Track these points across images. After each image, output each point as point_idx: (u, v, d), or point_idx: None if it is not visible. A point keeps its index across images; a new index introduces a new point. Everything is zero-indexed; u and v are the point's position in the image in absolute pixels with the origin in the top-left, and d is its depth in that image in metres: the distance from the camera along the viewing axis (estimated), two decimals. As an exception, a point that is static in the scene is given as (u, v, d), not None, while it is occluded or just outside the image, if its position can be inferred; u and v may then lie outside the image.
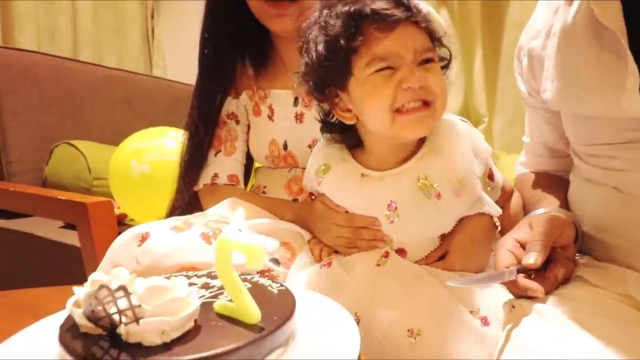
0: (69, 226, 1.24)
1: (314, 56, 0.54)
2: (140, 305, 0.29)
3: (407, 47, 0.52)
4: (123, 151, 1.22)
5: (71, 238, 1.13)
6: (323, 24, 0.54)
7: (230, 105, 0.81)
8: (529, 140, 0.74)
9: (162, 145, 1.17)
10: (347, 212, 0.60)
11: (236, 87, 0.81)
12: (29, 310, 0.50)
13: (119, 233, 0.65)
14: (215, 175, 0.79)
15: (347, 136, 0.60)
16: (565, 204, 0.62)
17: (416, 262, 0.58)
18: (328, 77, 0.55)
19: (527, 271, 0.50)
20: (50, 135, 1.48)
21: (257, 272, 0.57)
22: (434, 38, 0.56)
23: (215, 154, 0.80)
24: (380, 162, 0.58)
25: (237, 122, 0.81)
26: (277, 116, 0.78)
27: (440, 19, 0.58)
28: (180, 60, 2.13)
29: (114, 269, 0.33)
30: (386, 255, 0.58)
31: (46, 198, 1.05)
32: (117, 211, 1.15)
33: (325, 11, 0.55)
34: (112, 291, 0.29)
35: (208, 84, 0.79)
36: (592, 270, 0.53)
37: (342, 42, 0.52)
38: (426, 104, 0.53)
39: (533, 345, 0.43)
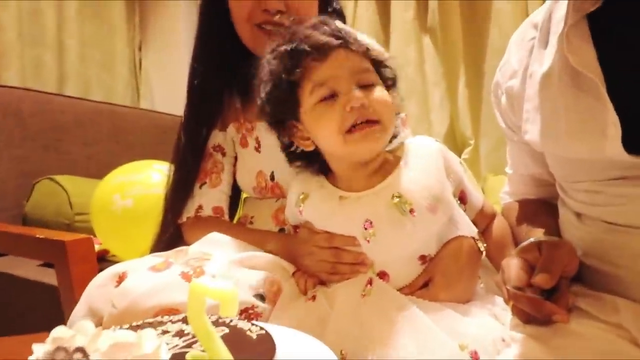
0: (48, 264, 1.20)
1: (265, 94, 0.58)
2: (100, 367, 0.26)
3: (343, 68, 0.55)
4: (106, 186, 1.20)
5: (50, 277, 1.09)
6: (267, 65, 0.58)
7: (217, 137, 0.80)
8: (513, 172, 0.73)
9: (147, 179, 1.16)
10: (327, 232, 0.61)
11: (223, 119, 0.81)
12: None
13: (99, 270, 0.63)
14: (200, 207, 0.78)
15: (312, 164, 0.63)
16: (557, 231, 0.61)
17: (400, 289, 0.58)
18: (281, 111, 0.59)
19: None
20: (33, 171, 1.46)
21: (242, 309, 0.56)
22: (376, 62, 0.59)
23: (200, 186, 0.78)
24: (355, 184, 0.60)
25: (224, 154, 0.81)
26: (264, 148, 0.77)
27: (378, 46, 0.60)
28: (167, 91, 2.14)
29: (79, 323, 0.30)
30: (370, 282, 0.57)
31: (23, 237, 1.01)
32: (98, 247, 1.12)
33: (267, 53, 0.59)
34: (69, 353, 0.26)
35: (196, 116, 0.79)
36: (586, 299, 0.51)
37: (284, 78, 0.56)
38: (372, 122, 0.55)
39: None
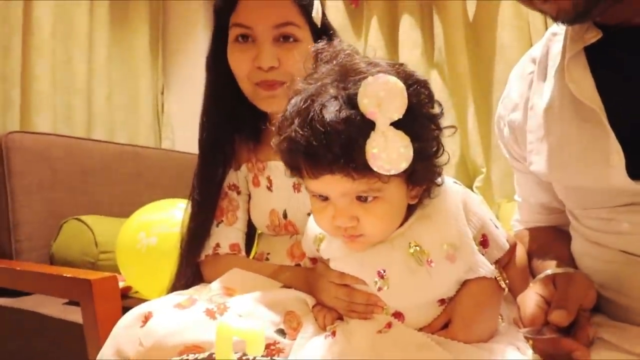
0: (73, 302, 1.22)
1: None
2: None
3: (334, 191, 0.52)
4: (132, 224, 1.23)
5: (74, 315, 1.11)
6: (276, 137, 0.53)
7: (231, 177, 0.83)
8: (522, 200, 0.73)
9: (171, 218, 1.18)
10: None
11: (236, 159, 0.84)
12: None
13: (123, 307, 0.64)
14: (217, 245, 0.80)
15: None
16: (570, 259, 0.61)
17: (419, 329, 0.57)
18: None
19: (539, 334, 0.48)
20: (61, 212, 1.50)
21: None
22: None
23: (217, 224, 0.81)
24: None
25: (238, 193, 0.83)
26: (275, 187, 0.80)
27: (408, 155, 0.48)
28: (187, 131, 2.23)
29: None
30: (389, 325, 0.57)
31: (51, 276, 1.05)
32: (122, 284, 1.14)
33: (282, 116, 0.53)
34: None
35: (209, 166, 0.82)
36: (609, 329, 0.50)
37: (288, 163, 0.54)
38: (356, 235, 0.54)
39: None
